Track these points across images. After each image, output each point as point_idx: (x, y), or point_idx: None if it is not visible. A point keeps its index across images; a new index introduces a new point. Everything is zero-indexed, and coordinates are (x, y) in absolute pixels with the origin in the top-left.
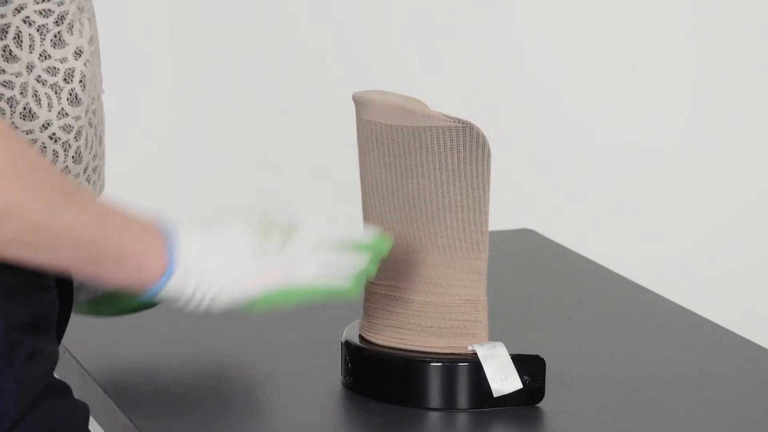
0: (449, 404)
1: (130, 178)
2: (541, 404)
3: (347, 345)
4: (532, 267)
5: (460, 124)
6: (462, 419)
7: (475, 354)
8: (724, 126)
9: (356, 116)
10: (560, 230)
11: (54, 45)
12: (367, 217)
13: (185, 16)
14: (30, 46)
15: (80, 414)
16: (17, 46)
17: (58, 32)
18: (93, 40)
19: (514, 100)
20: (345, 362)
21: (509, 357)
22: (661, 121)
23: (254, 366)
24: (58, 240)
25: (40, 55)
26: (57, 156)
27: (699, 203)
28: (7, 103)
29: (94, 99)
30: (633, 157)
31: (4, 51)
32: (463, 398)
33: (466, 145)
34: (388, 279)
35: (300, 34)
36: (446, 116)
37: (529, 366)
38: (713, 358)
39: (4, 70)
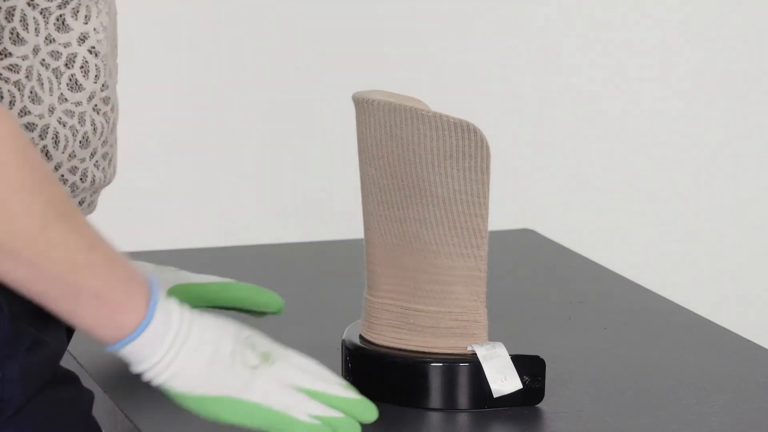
0: (449, 404)
1: (131, 173)
2: (541, 404)
3: (347, 345)
4: (532, 267)
5: (460, 124)
6: (462, 419)
7: (475, 354)
8: (725, 126)
9: (356, 116)
10: (560, 230)
11: (58, 29)
12: (367, 216)
13: (184, 15)
14: (36, 29)
15: (85, 402)
16: (24, 29)
17: (61, 15)
18: (102, 29)
19: (513, 100)
20: (345, 362)
21: (509, 357)
22: (661, 121)
23: None
24: (43, 256)
25: (46, 38)
26: (67, 140)
27: (699, 203)
28: (15, 86)
29: (104, 86)
30: (633, 158)
31: (12, 34)
32: (463, 398)
33: (466, 144)
34: (389, 284)
35: (299, 33)
36: (446, 116)
37: (529, 366)
38: (713, 358)
39: (11, 53)
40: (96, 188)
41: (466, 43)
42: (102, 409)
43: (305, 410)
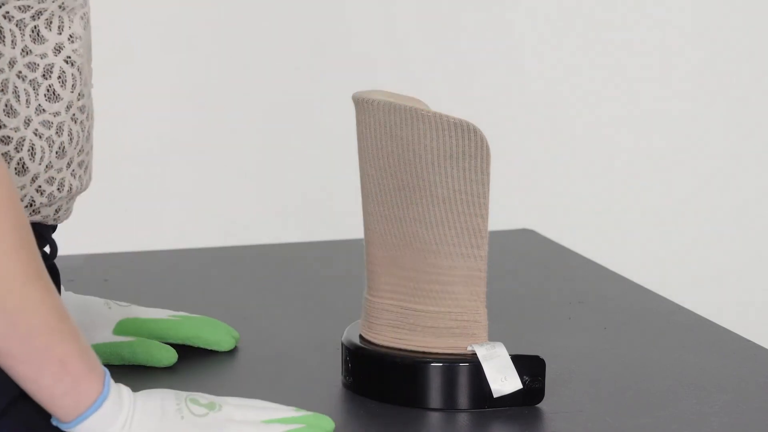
0: (449, 404)
1: (131, 173)
2: (541, 404)
3: (347, 345)
4: (532, 267)
5: (460, 124)
6: (462, 419)
7: (475, 354)
8: (724, 126)
9: (356, 116)
10: (560, 230)
11: (34, 40)
12: (367, 216)
13: (184, 15)
14: (12, 41)
15: None
16: (1, 42)
17: (35, 27)
18: (76, 38)
19: (514, 101)
20: (345, 362)
21: (509, 357)
22: (661, 121)
23: (254, 366)
24: (20, 311)
25: (23, 50)
26: (43, 152)
27: (699, 203)
28: None
29: (80, 95)
30: (633, 157)
31: None
32: (463, 398)
33: (466, 144)
34: (389, 284)
35: (299, 33)
36: (446, 116)
37: (529, 366)
38: (713, 358)
39: None
40: (72, 196)
41: (466, 43)
42: None
43: None
